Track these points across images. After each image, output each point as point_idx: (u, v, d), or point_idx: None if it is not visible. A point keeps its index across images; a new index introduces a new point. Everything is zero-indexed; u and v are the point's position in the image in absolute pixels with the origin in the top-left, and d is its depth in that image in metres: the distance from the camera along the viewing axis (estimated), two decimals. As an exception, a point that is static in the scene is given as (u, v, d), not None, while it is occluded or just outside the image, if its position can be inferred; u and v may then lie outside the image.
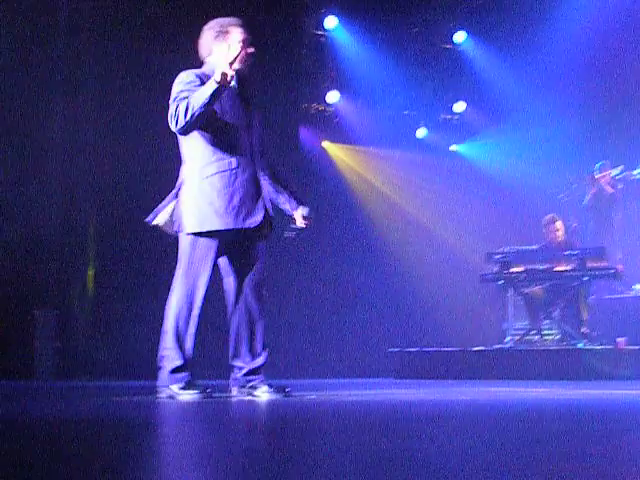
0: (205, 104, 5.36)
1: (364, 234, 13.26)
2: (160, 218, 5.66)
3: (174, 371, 5.48)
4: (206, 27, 5.80)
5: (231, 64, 5.39)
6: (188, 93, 5.44)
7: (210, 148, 5.57)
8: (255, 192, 5.63)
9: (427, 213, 13.60)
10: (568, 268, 10.34)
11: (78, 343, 10.63)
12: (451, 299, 13.06)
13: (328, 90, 13.33)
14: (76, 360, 10.44)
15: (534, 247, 11.16)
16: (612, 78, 12.84)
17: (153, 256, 10.20)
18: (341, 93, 13.42)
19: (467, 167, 14.43)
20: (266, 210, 5.65)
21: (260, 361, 5.68)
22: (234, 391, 5.70)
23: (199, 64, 5.76)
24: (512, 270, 10.69)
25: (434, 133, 14.34)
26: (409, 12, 12.69)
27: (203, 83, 5.46)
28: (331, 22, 12.82)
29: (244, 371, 5.67)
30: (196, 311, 5.52)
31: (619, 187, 12.71)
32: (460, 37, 13.51)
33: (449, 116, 14.39)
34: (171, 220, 5.62)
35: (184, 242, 5.57)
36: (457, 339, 11.94)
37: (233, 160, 5.57)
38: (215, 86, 5.33)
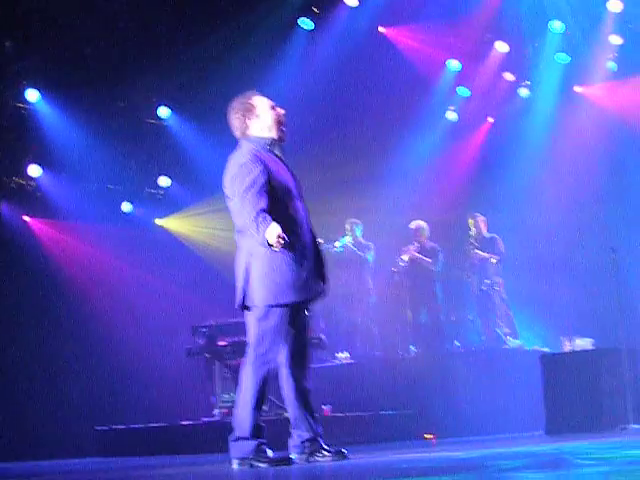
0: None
1: (69, 308, 12.88)
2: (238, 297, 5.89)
3: (250, 439, 5.71)
4: (230, 108, 6.09)
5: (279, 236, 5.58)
6: (259, 199, 5.69)
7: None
8: (317, 260, 5.94)
9: (133, 287, 13.43)
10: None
11: None
12: (159, 373, 12.87)
13: (30, 164, 12.91)
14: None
15: (240, 320, 11.23)
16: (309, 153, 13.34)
17: None
18: (43, 167, 13.03)
19: (172, 241, 14.50)
20: (324, 276, 5.97)
21: (319, 427, 5.94)
22: (294, 457, 5.91)
23: None
24: (218, 343, 10.74)
25: (139, 207, 14.30)
26: (113, 86, 12.51)
27: (264, 162, 5.81)
28: (32, 95, 12.47)
29: (304, 438, 5.89)
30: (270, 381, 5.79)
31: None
32: (164, 112, 13.60)
33: (154, 190, 14.41)
34: (241, 294, 5.85)
35: (257, 315, 5.80)
36: (166, 414, 11.75)
37: (296, 231, 5.82)
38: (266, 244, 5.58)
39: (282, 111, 6.10)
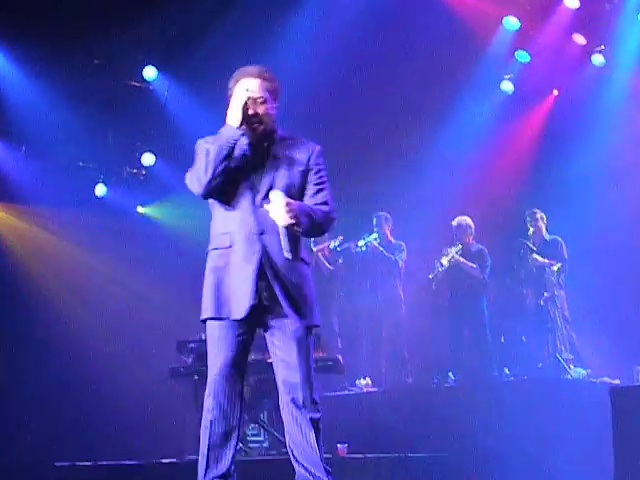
0: (224, 155, 5.66)
1: (26, 313, 12.93)
2: None
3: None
4: None
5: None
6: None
7: (216, 220, 5.92)
8: (247, 277, 5.72)
9: (107, 289, 13.42)
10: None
11: None
12: (136, 398, 12.97)
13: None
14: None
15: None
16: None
17: None
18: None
19: (157, 232, 14.50)
20: (260, 299, 5.74)
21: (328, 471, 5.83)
22: None
23: None
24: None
25: (117, 190, 14.23)
26: (88, 40, 12.26)
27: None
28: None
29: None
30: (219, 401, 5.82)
31: (339, 262, 12.99)
32: (150, 73, 13.31)
33: (136, 170, 14.30)
34: None
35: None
36: (143, 449, 11.67)
37: (228, 237, 5.81)
38: (229, 129, 5.65)
39: (251, 112, 5.73)
